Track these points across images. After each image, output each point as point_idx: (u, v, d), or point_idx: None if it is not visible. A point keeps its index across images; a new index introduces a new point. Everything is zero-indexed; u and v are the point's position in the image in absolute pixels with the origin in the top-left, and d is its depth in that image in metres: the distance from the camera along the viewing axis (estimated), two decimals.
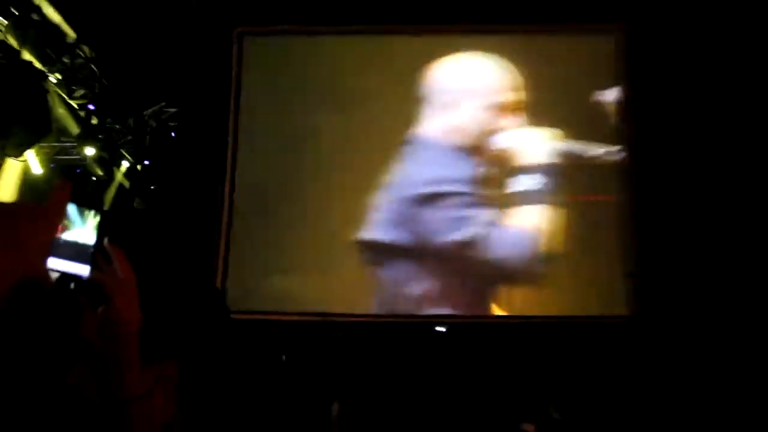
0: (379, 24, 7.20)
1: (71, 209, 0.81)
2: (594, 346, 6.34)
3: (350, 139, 7.02)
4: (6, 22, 5.92)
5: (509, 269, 6.49)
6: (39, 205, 0.71)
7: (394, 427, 1.90)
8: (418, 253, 6.62)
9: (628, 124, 6.98)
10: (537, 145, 6.70)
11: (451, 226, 6.55)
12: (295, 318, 6.67)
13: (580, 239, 6.76)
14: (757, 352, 5.77)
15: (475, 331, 6.68)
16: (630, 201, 6.83)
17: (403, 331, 6.74)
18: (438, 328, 6.81)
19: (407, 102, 6.98)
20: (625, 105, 7.01)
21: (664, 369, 5.94)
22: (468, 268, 6.52)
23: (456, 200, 6.62)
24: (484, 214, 6.57)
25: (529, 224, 6.54)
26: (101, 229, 0.85)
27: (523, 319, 6.65)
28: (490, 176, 6.69)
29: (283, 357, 6.47)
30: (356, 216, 6.81)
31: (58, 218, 0.75)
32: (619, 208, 6.84)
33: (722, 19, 6.62)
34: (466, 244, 6.51)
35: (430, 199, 6.62)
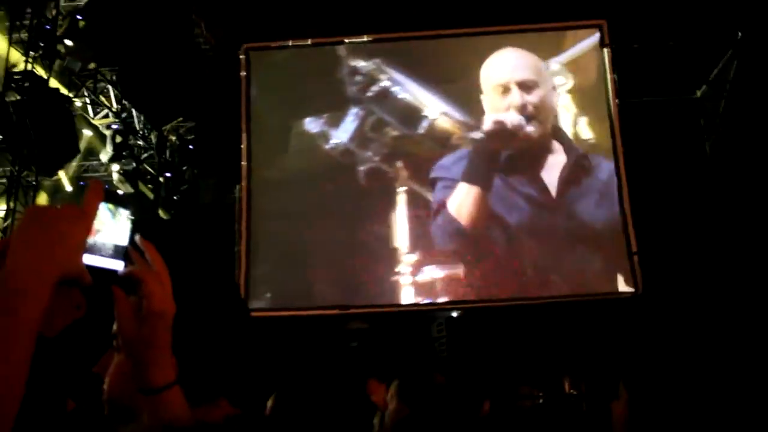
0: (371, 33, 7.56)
1: (103, 209, 0.96)
2: (602, 322, 6.56)
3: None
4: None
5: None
6: (74, 206, 0.76)
7: (443, 397, 2.09)
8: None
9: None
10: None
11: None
12: (318, 312, 6.93)
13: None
14: (754, 323, 5.91)
15: (488, 314, 6.97)
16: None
17: (419, 318, 7.07)
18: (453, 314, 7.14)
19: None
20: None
21: (668, 341, 6.11)
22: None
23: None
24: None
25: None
26: (133, 226, 1.05)
27: (532, 300, 6.91)
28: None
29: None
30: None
31: (93, 217, 0.78)
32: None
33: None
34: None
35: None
